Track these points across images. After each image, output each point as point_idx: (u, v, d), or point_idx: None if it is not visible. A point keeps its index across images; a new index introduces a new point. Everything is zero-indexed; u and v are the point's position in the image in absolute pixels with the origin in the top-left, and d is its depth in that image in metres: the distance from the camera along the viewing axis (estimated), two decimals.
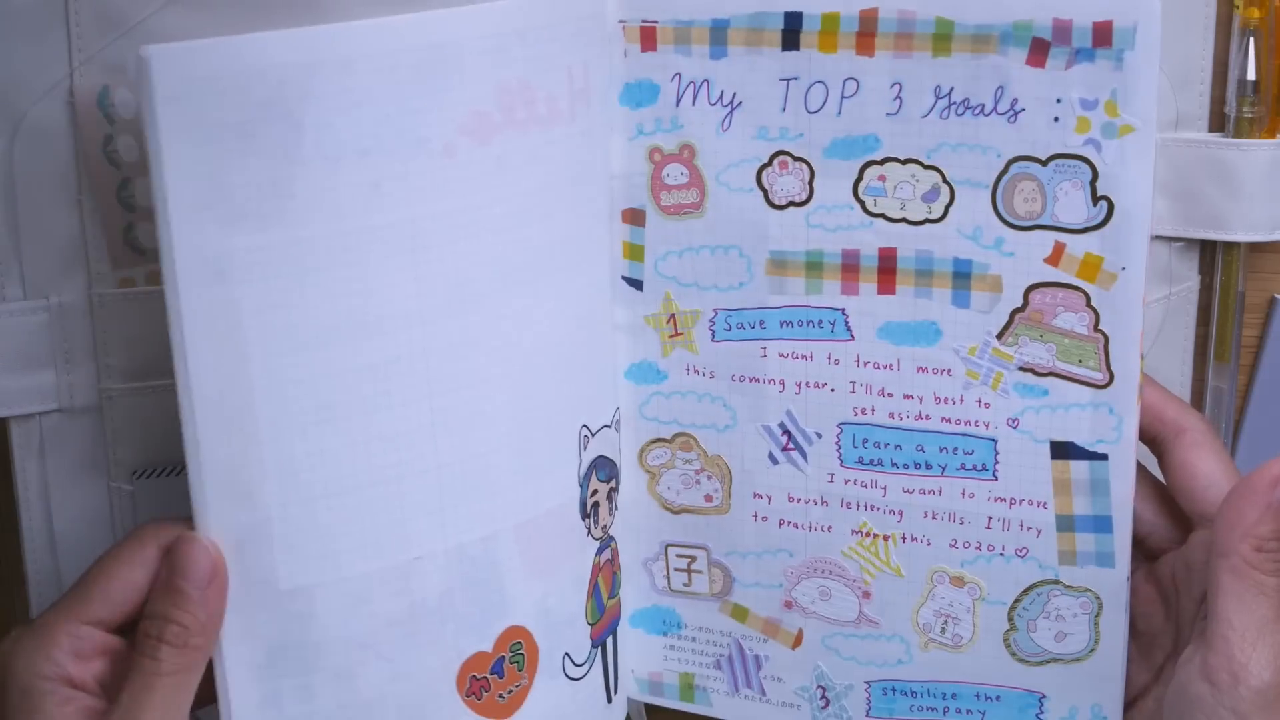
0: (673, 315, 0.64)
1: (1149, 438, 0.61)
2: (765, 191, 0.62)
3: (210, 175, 0.51)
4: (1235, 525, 0.55)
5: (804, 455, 0.64)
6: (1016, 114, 0.58)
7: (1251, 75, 0.66)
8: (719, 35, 0.61)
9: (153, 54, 0.49)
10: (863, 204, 0.61)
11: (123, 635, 0.55)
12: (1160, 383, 0.68)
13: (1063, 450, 0.60)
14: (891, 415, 0.63)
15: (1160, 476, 0.62)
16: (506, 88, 0.56)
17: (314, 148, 0.52)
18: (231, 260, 0.52)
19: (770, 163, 0.62)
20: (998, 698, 0.63)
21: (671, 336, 0.65)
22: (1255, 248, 0.68)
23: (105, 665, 0.54)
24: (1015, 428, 0.61)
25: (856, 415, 0.63)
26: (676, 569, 0.67)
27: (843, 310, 0.62)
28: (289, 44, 0.51)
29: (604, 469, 0.64)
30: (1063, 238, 0.58)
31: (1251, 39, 0.66)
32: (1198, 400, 0.70)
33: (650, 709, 0.70)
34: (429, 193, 0.54)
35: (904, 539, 0.63)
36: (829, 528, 0.64)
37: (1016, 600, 0.62)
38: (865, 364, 0.62)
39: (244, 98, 0.50)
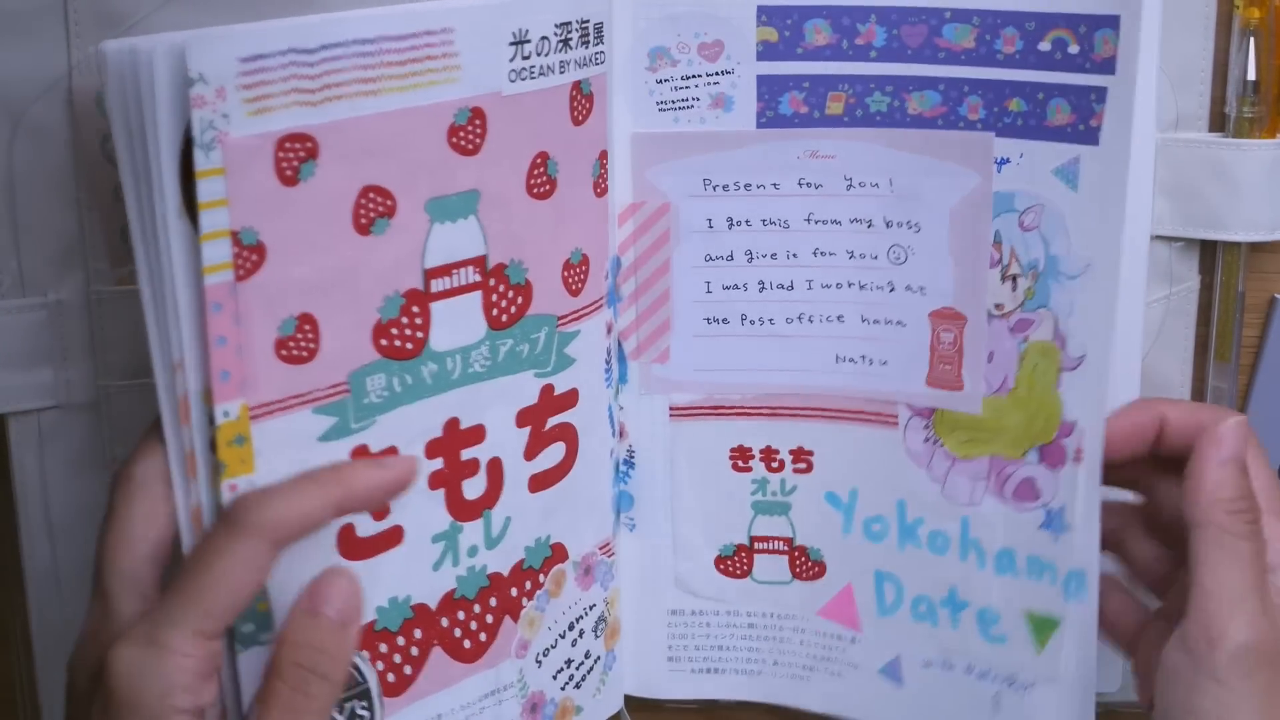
0: None
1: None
2: None
3: None
4: (1201, 495, 0.54)
5: None
6: None
7: (1251, 75, 0.66)
8: None
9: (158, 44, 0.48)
10: None
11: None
12: (1161, 382, 0.68)
13: None
14: None
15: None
16: None
17: None
18: None
19: None
20: None
21: None
22: (1255, 248, 0.68)
23: (217, 683, 0.51)
24: None
25: None
26: None
27: None
28: None
29: None
30: None
31: (1251, 39, 0.66)
32: (1198, 400, 0.70)
33: (632, 702, 0.70)
34: None
35: None
36: None
37: None
38: None
39: None
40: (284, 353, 0.51)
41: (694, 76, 0.62)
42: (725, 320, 0.65)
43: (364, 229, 0.52)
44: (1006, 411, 0.62)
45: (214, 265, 0.48)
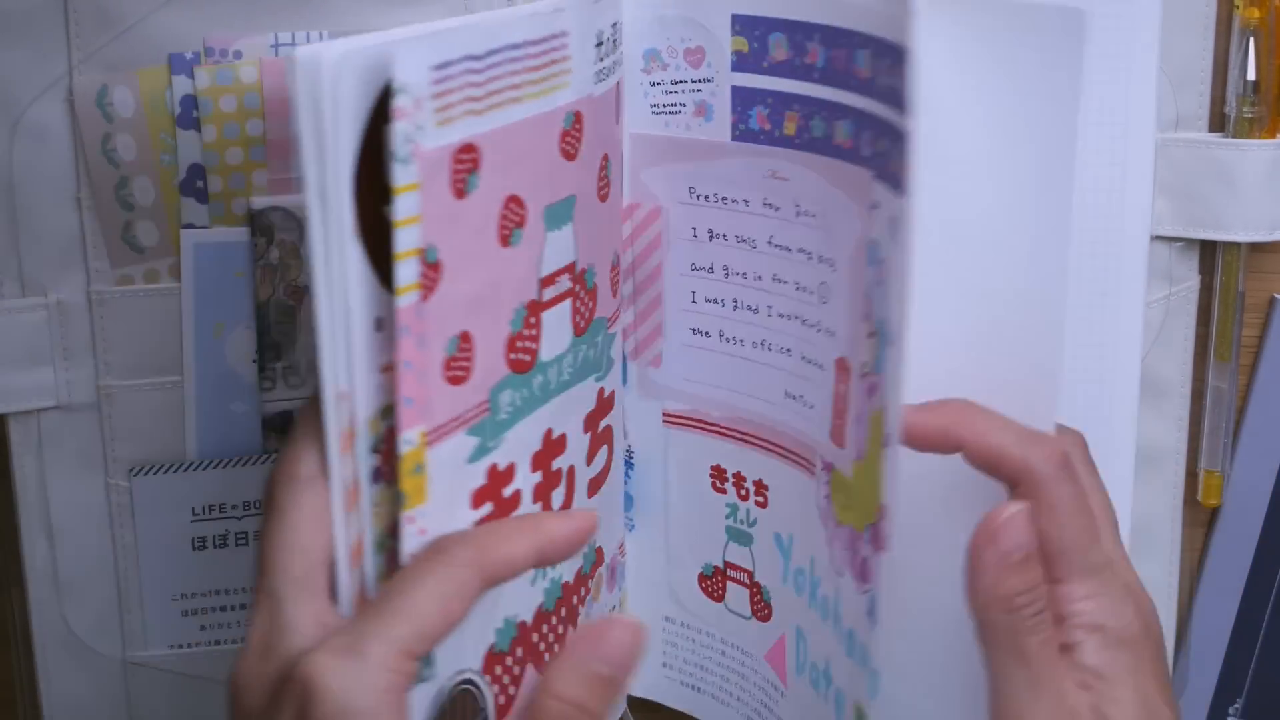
0: None
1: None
2: None
3: None
4: (977, 591, 0.49)
5: None
6: None
7: (1251, 75, 0.66)
8: None
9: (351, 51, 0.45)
10: None
11: None
12: (1161, 383, 0.68)
13: None
14: None
15: None
16: None
17: None
18: None
19: None
20: None
21: None
22: (1255, 248, 0.68)
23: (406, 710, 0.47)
24: None
25: None
26: None
27: None
28: None
29: None
30: None
31: (1251, 39, 0.66)
32: (1198, 400, 0.70)
33: (631, 701, 0.70)
34: None
35: None
36: None
37: None
38: None
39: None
40: (449, 374, 0.49)
41: (680, 82, 0.61)
42: (707, 334, 0.62)
43: (505, 240, 0.50)
44: (862, 480, 0.55)
45: (405, 286, 0.45)
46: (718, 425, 0.64)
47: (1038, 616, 0.49)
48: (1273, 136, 0.66)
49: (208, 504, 0.64)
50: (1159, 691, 0.50)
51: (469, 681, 0.51)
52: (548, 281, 0.54)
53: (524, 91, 0.50)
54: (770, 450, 0.62)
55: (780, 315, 0.60)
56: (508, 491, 0.53)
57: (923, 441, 0.51)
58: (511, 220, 0.51)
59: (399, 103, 0.44)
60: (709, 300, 0.62)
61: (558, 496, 0.57)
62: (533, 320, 0.53)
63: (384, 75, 0.44)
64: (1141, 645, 0.50)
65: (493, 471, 0.52)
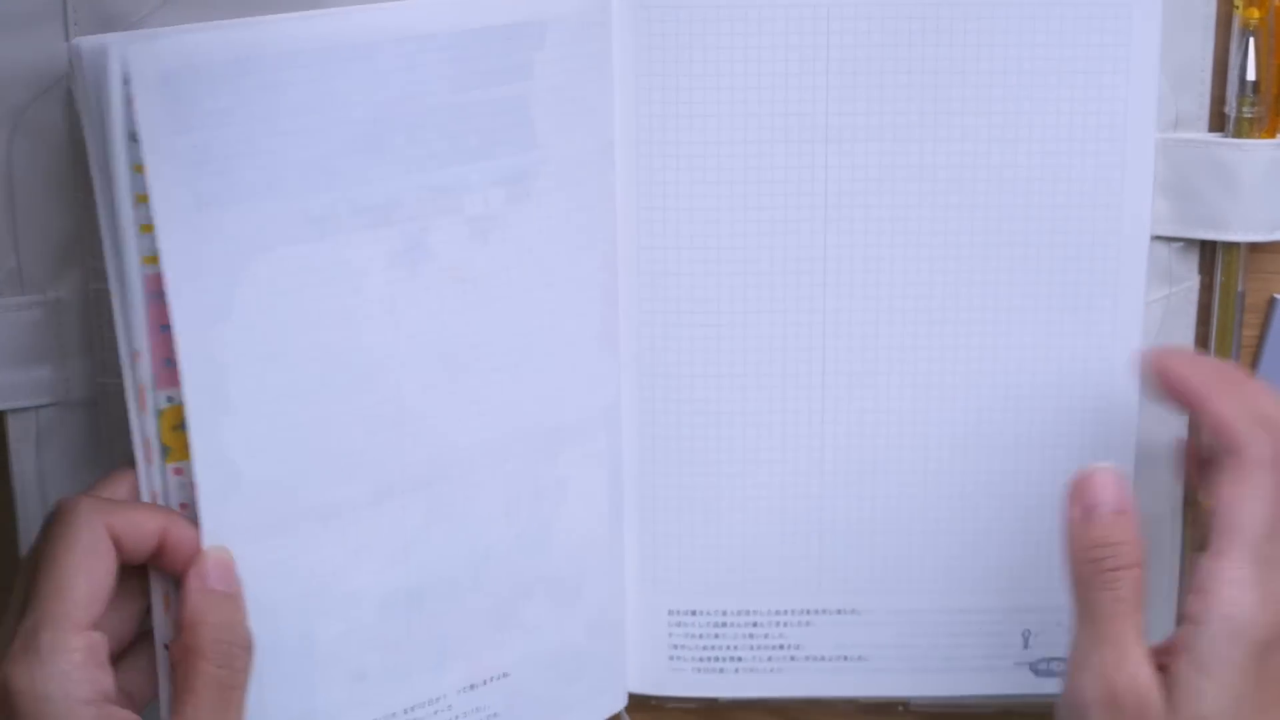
0: None
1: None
2: None
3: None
4: (1068, 543, 0.53)
5: None
6: None
7: (1251, 75, 0.66)
8: None
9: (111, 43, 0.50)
10: None
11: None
12: None
13: None
14: None
15: None
16: None
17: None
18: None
19: None
20: None
21: None
22: (1255, 248, 0.68)
23: (112, 674, 0.51)
24: None
25: None
26: None
27: None
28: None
29: None
30: None
31: (1251, 39, 0.66)
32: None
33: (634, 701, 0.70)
34: None
35: None
36: None
37: None
38: None
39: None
40: None
41: None
42: None
43: None
44: None
45: (152, 255, 0.51)
46: None
47: (1114, 573, 0.51)
48: (1273, 136, 0.66)
49: None
50: (1258, 707, 0.49)
51: None
52: None
53: None
54: None
55: None
56: None
57: (1169, 392, 0.56)
58: None
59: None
60: None
61: None
62: None
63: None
64: (1268, 652, 0.49)
65: None
